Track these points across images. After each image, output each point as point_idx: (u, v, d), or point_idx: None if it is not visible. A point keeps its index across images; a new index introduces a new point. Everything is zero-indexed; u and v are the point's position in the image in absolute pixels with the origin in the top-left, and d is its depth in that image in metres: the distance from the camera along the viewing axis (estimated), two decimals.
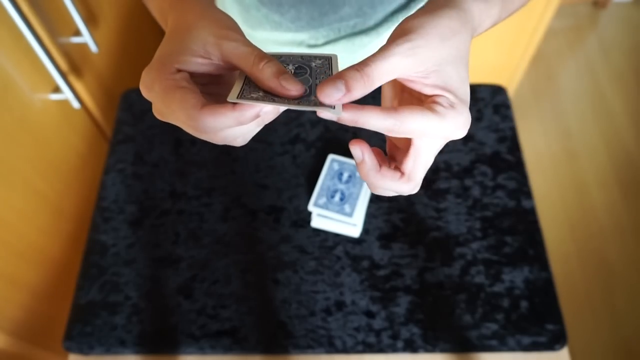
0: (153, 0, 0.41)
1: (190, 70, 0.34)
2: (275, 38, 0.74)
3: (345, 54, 0.75)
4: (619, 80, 1.94)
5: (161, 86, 0.32)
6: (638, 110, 1.86)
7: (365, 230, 0.70)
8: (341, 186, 0.69)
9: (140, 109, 0.82)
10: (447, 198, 0.72)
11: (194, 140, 0.78)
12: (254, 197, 0.73)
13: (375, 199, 0.72)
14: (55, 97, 0.82)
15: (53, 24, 0.80)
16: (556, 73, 1.98)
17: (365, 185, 0.69)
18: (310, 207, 0.68)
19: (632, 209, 1.65)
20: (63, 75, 0.78)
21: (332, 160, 0.71)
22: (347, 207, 0.67)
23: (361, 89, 0.31)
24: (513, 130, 0.78)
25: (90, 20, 0.92)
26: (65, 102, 0.85)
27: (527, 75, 1.95)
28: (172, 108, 0.32)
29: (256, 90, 0.33)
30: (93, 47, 0.87)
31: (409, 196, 0.72)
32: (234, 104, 0.32)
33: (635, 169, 1.73)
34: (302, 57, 0.37)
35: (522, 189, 0.73)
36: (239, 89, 0.33)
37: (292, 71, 0.35)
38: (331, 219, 0.68)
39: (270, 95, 0.33)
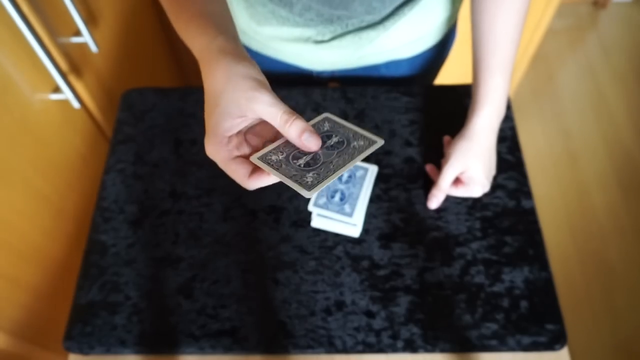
0: (190, 39, 0.48)
1: (236, 131, 0.44)
2: (281, 34, 0.74)
3: (352, 50, 0.74)
4: (619, 80, 1.94)
5: (220, 157, 0.44)
6: (638, 110, 1.86)
7: (365, 230, 0.70)
8: (341, 186, 0.69)
9: (140, 109, 0.82)
10: (447, 198, 0.72)
11: (194, 140, 0.78)
12: (254, 197, 0.73)
13: (375, 199, 0.72)
14: (55, 97, 0.82)
15: (53, 24, 0.80)
16: (556, 73, 1.98)
17: (365, 185, 0.69)
18: (310, 207, 0.68)
19: (631, 209, 1.65)
20: (63, 75, 0.78)
21: None
22: (347, 207, 0.67)
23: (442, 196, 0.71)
24: (513, 130, 0.78)
25: (90, 20, 0.92)
26: (65, 102, 0.85)
27: (527, 75, 1.95)
28: (228, 173, 0.45)
29: (281, 151, 0.44)
30: (93, 47, 0.87)
31: (409, 196, 0.72)
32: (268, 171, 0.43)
33: (635, 169, 1.73)
34: (354, 134, 0.46)
35: (522, 189, 0.73)
36: (267, 150, 0.44)
37: (332, 144, 0.45)
38: (331, 219, 0.68)
39: (286, 161, 0.44)
